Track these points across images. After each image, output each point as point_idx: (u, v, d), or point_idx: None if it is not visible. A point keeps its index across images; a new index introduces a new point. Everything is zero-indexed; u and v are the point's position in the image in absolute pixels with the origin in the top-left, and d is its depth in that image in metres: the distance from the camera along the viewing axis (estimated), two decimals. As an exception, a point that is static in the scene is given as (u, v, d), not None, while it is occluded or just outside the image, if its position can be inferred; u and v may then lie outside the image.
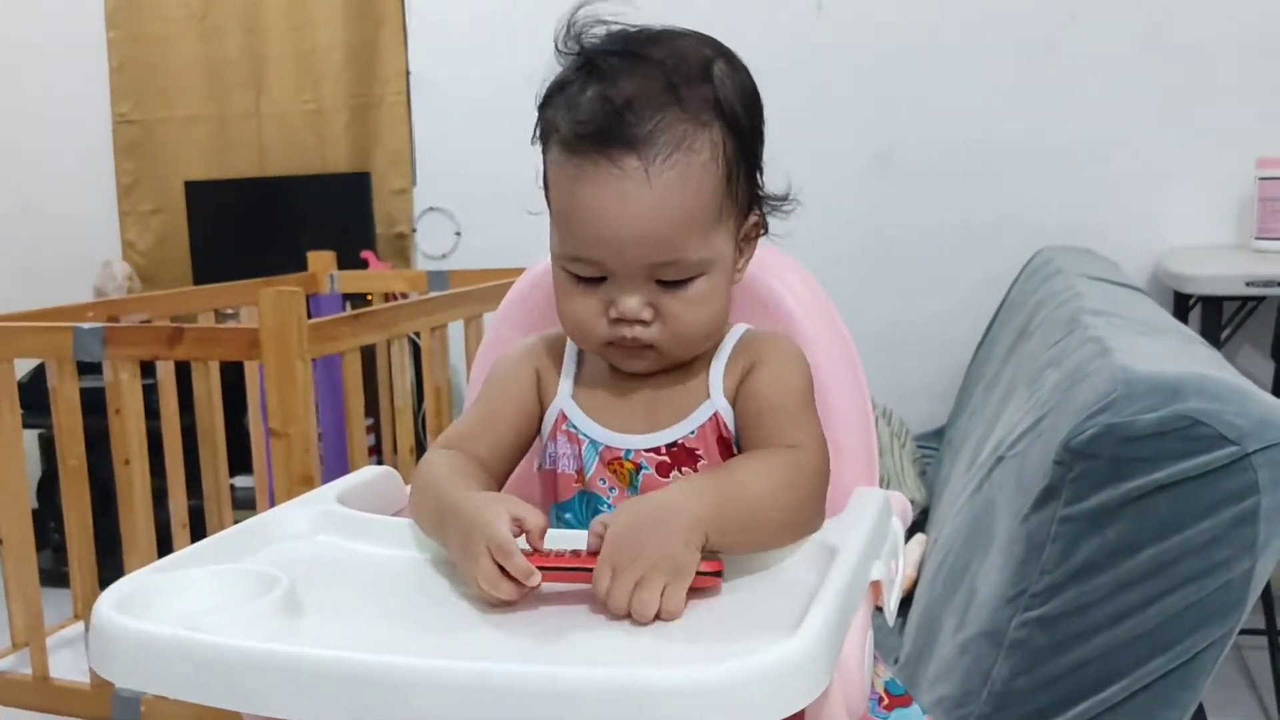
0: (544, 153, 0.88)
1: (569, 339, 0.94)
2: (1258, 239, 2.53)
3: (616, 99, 0.82)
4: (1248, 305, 2.49)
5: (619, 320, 0.85)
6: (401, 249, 3.31)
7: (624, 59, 0.84)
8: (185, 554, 0.79)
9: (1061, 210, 2.79)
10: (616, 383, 0.92)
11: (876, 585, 0.81)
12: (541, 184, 0.90)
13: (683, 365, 0.90)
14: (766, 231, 0.93)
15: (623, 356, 0.89)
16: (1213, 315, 2.34)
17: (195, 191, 3.34)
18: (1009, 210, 2.83)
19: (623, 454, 0.89)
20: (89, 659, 0.70)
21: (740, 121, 0.86)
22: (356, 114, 3.31)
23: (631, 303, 0.85)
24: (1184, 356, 1.22)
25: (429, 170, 3.30)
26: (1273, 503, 1.01)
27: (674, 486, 0.79)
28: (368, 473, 0.99)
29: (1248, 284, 2.23)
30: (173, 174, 3.42)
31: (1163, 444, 1.03)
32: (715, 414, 0.89)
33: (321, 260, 2.79)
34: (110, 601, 0.70)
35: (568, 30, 0.87)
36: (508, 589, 0.72)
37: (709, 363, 0.91)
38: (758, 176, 0.90)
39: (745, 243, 0.91)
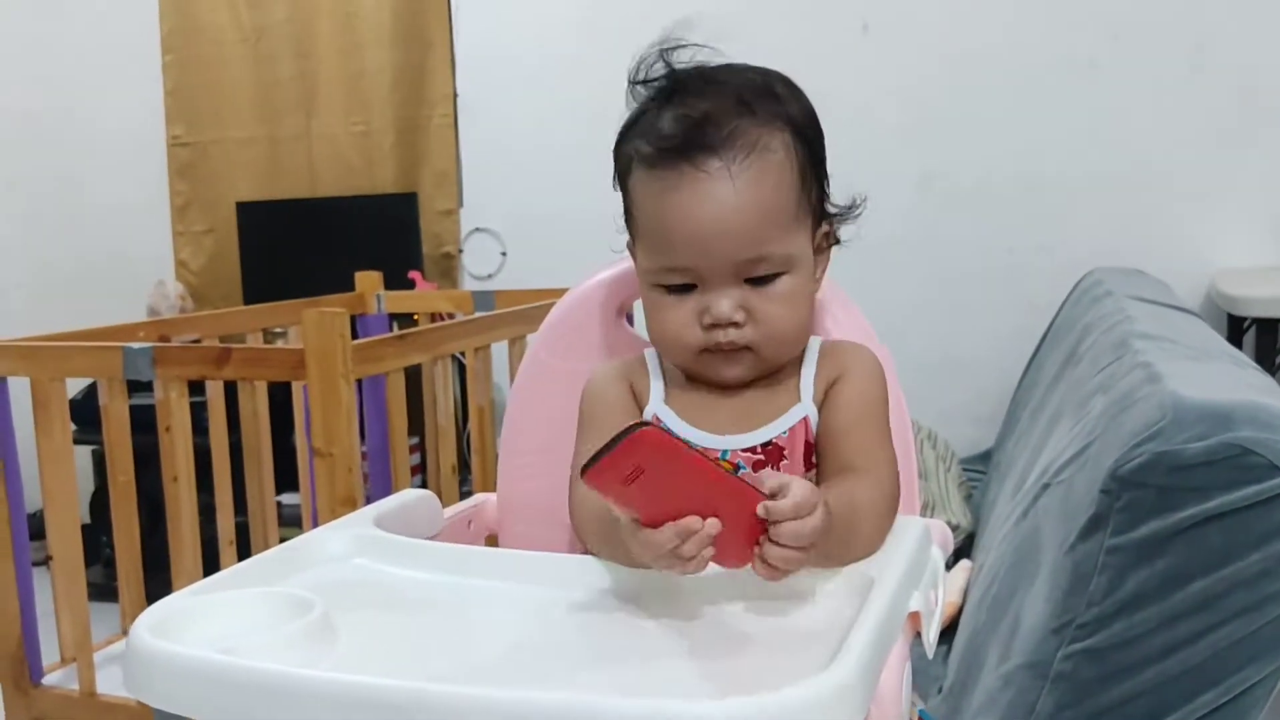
0: (625, 184, 0.94)
1: (650, 356, 0.98)
2: (1315, 260, 2.47)
3: (694, 113, 0.89)
4: (1304, 328, 2.43)
5: (713, 326, 0.89)
6: (448, 269, 3.34)
7: (696, 83, 0.91)
8: (221, 577, 0.80)
9: (1110, 232, 2.75)
10: (707, 390, 0.95)
11: (915, 616, 0.80)
12: (624, 219, 0.96)
13: (772, 373, 0.94)
14: (839, 241, 0.98)
15: (720, 364, 0.92)
16: (1268, 338, 2.30)
17: (246, 212, 3.39)
18: (1056, 232, 2.80)
19: (720, 454, 0.91)
20: (124, 680, 0.71)
21: (807, 131, 0.92)
22: (404, 136, 3.34)
23: (724, 305, 0.88)
24: (1235, 383, 1.20)
25: (475, 192, 3.33)
26: (1327, 534, 0.98)
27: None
28: (406, 496, 0.99)
29: (1304, 306, 2.19)
30: (225, 195, 3.47)
31: (1212, 473, 1.00)
32: (805, 418, 0.92)
33: (368, 280, 2.81)
34: (145, 624, 0.71)
35: (637, 70, 0.94)
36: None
37: (799, 368, 0.95)
38: (825, 187, 0.95)
39: (818, 252, 0.95)
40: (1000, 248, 2.84)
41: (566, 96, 3.08)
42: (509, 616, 0.77)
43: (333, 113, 3.39)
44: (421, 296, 2.88)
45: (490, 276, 3.31)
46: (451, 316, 2.71)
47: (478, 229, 3.32)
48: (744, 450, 0.92)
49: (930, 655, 0.82)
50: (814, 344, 0.96)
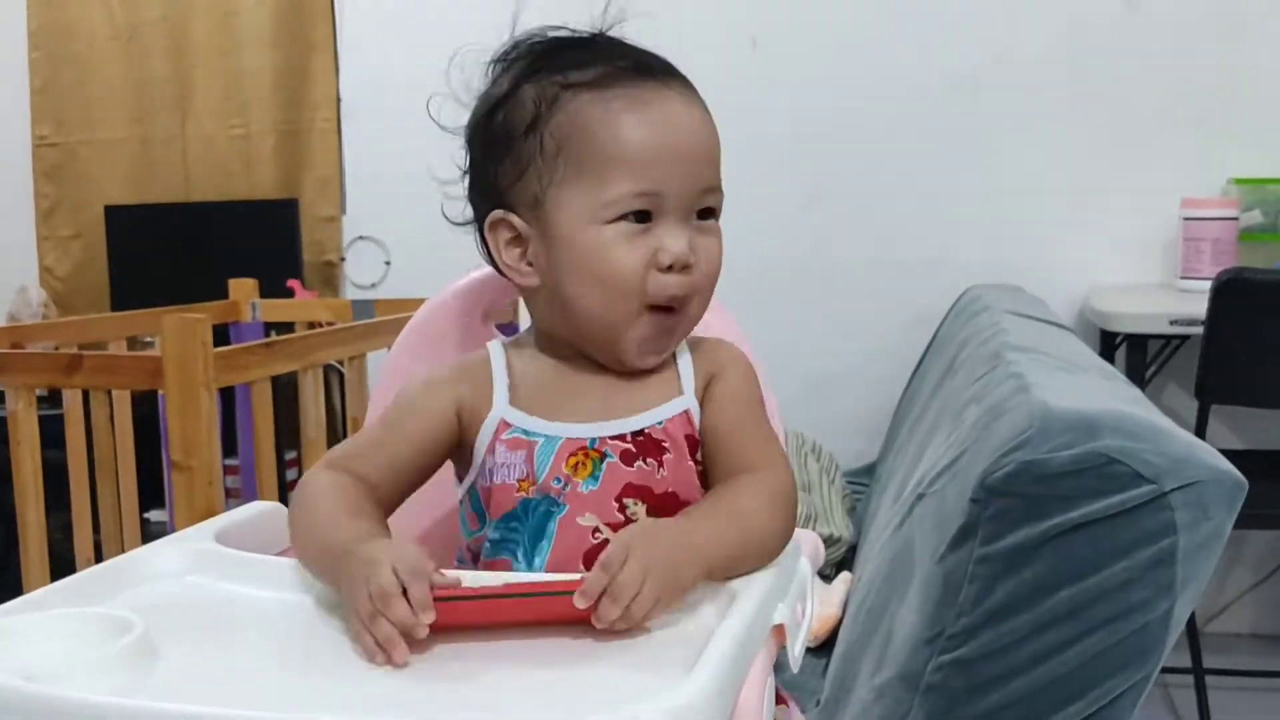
0: (540, 121, 0.85)
1: (495, 350, 0.91)
2: (1182, 278, 2.55)
3: (632, 47, 0.87)
4: (1172, 343, 2.50)
5: (669, 270, 0.83)
6: (330, 278, 3.24)
7: (611, 37, 0.89)
8: (35, 597, 0.74)
9: (990, 249, 2.81)
10: (566, 380, 0.89)
11: (780, 629, 0.77)
12: (513, 172, 0.86)
13: (649, 373, 0.89)
14: None
15: (661, 335, 0.86)
16: (1138, 353, 2.36)
17: (116, 216, 3.25)
18: (939, 249, 2.84)
19: (588, 443, 0.85)
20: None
21: None
22: (285, 140, 3.24)
23: (681, 242, 0.83)
24: (1104, 394, 1.21)
25: (359, 198, 3.24)
26: (1191, 543, 0.99)
27: (690, 515, 0.80)
28: (251, 509, 0.94)
29: (1171, 322, 2.25)
30: (93, 198, 3.32)
31: (1079, 482, 1.01)
32: (686, 410, 0.88)
33: (243, 288, 2.72)
34: (-57, 649, 0.64)
35: (518, 42, 0.90)
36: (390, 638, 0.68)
37: (674, 360, 0.90)
38: None
39: None
40: (886, 262, 2.87)
41: (453, 99, 3.02)
42: (353, 648, 0.72)
43: (209, 114, 3.27)
44: (298, 305, 2.79)
45: (374, 286, 3.23)
46: (331, 325, 2.62)
47: (361, 237, 3.23)
48: (612, 437, 0.86)
49: (795, 669, 0.80)
50: (683, 347, 0.92)
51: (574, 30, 0.90)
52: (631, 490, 0.85)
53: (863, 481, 2.59)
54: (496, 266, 0.91)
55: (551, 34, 0.89)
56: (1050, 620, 1.03)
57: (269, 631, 0.74)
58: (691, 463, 0.87)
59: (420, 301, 2.30)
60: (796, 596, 0.82)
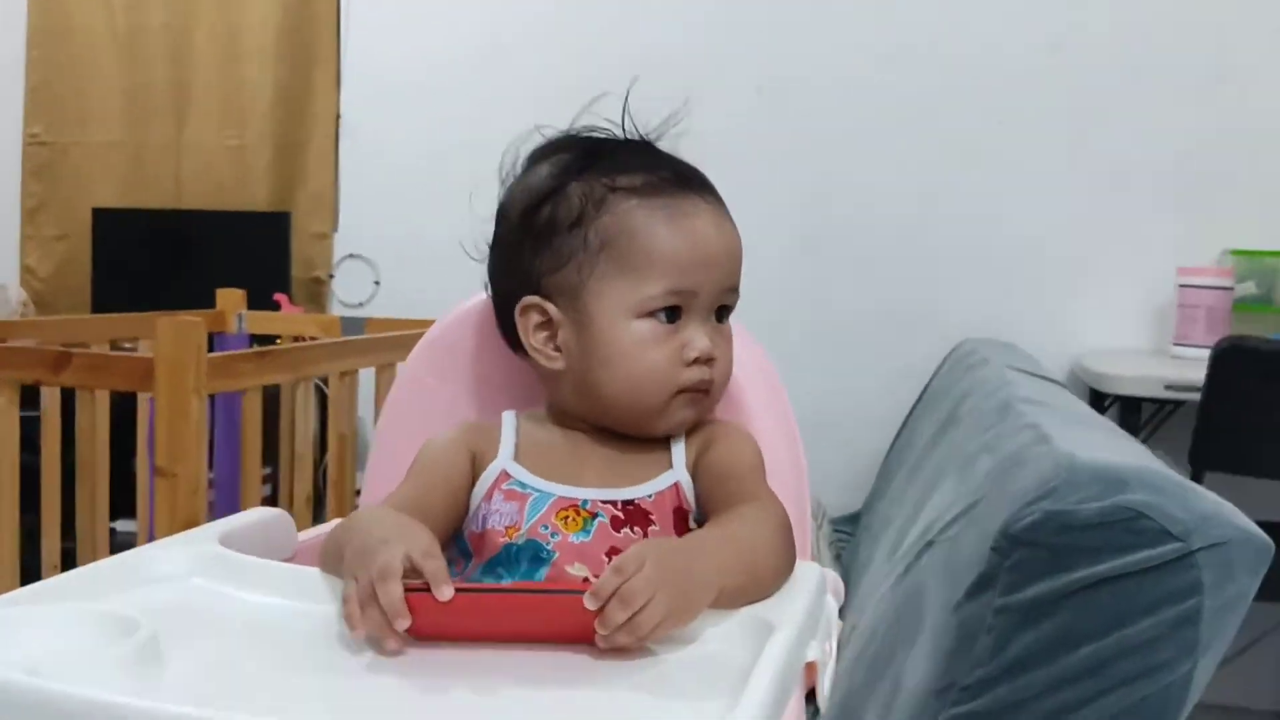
0: (591, 215, 0.90)
1: (508, 418, 0.95)
2: (1176, 344, 2.56)
3: (668, 157, 0.94)
4: (1165, 408, 2.50)
5: (695, 363, 0.90)
6: (317, 294, 3.20)
7: (648, 142, 0.97)
8: (36, 589, 0.70)
9: (983, 304, 2.81)
10: (569, 449, 0.93)
11: (812, 666, 0.74)
12: (557, 264, 0.91)
13: (643, 438, 0.93)
14: None
15: (687, 406, 0.91)
16: (1131, 416, 2.35)
17: (103, 219, 3.20)
18: (932, 301, 2.84)
19: (580, 502, 0.88)
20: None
21: None
22: (281, 153, 3.21)
23: (705, 340, 0.90)
24: (1124, 449, 1.19)
25: (352, 217, 3.21)
26: (1216, 604, 0.97)
27: (701, 539, 0.81)
28: (257, 514, 0.90)
29: (1167, 386, 2.24)
30: (82, 200, 3.27)
31: (1106, 535, 0.98)
32: (676, 484, 0.91)
33: (230, 298, 2.67)
34: (-63, 638, 0.60)
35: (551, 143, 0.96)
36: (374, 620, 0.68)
37: (669, 443, 0.94)
38: None
39: None
40: (877, 313, 2.86)
41: (453, 125, 3.01)
42: (363, 648, 0.69)
43: (206, 123, 3.24)
44: (286, 318, 2.75)
45: (361, 305, 3.19)
46: (316, 341, 2.58)
47: (351, 255, 3.20)
48: (605, 502, 0.88)
49: (823, 709, 0.77)
50: None
51: (610, 131, 0.96)
52: (619, 553, 0.83)
53: (846, 530, 2.56)
54: (515, 346, 0.96)
55: (591, 134, 0.96)
56: (1070, 676, 1.00)
57: (275, 638, 0.71)
58: (674, 534, 0.89)
59: (414, 321, 2.28)
60: (824, 635, 0.79)
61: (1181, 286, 2.56)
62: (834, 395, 2.87)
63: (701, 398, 0.92)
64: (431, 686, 0.65)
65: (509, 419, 0.96)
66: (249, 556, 0.80)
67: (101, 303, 3.14)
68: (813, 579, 0.81)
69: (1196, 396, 2.11)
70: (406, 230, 3.11)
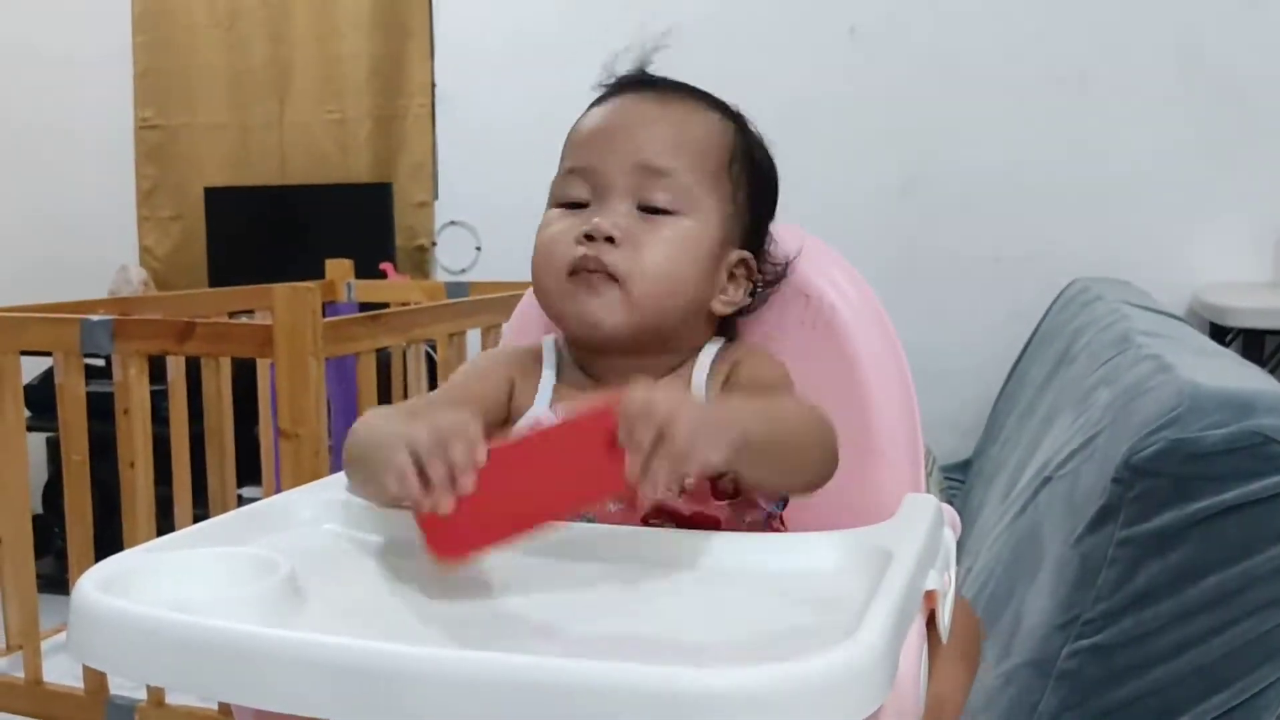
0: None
1: (548, 346, 0.90)
2: (1299, 276, 2.46)
3: (655, 75, 0.91)
4: (1289, 342, 2.41)
5: (588, 238, 0.82)
6: (421, 262, 3.26)
7: (665, 80, 0.91)
8: (179, 535, 0.73)
9: (1094, 242, 2.72)
10: (594, 384, 0.88)
11: (931, 595, 0.74)
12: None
13: (664, 370, 0.87)
14: (755, 290, 0.91)
15: (584, 293, 0.83)
16: (1254, 350, 2.27)
17: (215, 198, 3.30)
18: (1039, 242, 2.76)
19: None
20: (67, 643, 0.64)
21: (756, 154, 0.90)
22: (380, 125, 3.27)
23: (603, 217, 0.83)
24: (1247, 376, 1.15)
25: (451, 184, 3.26)
26: (1349, 530, 0.94)
27: (719, 399, 0.78)
28: (380, 464, 0.93)
29: (1292, 318, 2.16)
30: (193, 180, 3.38)
31: (1232, 462, 0.96)
32: None
33: (339, 268, 2.74)
34: (93, 581, 0.64)
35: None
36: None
37: (691, 368, 0.88)
38: (762, 230, 0.92)
39: (732, 277, 0.89)
40: (983, 256, 2.80)
41: (546, 89, 3.02)
42: (494, 583, 0.71)
43: (306, 100, 3.31)
44: (393, 286, 2.81)
45: (464, 271, 3.24)
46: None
47: (452, 222, 3.25)
48: None
49: (944, 639, 0.77)
50: (712, 345, 0.89)
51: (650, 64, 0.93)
52: (659, 512, 0.82)
53: (957, 477, 2.53)
54: None
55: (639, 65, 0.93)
56: (1196, 607, 0.98)
57: (402, 578, 0.73)
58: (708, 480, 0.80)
59: (517, 284, 2.30)
60: (943, 566, 0.79)
61: (1305, 214, 2.45)
62: (940, 341, 2.82)
63: (599, 281, 0.82)
64: (580, 613, 0.66)
65: (549, 348, 0.91)
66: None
67: (217, 279, 3.25)
68: (929, 509, 0.81)
69: (1324, 327, 2.03)
70: (505, 195, 3.12)
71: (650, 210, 0.84)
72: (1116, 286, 2.34)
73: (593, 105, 0.90)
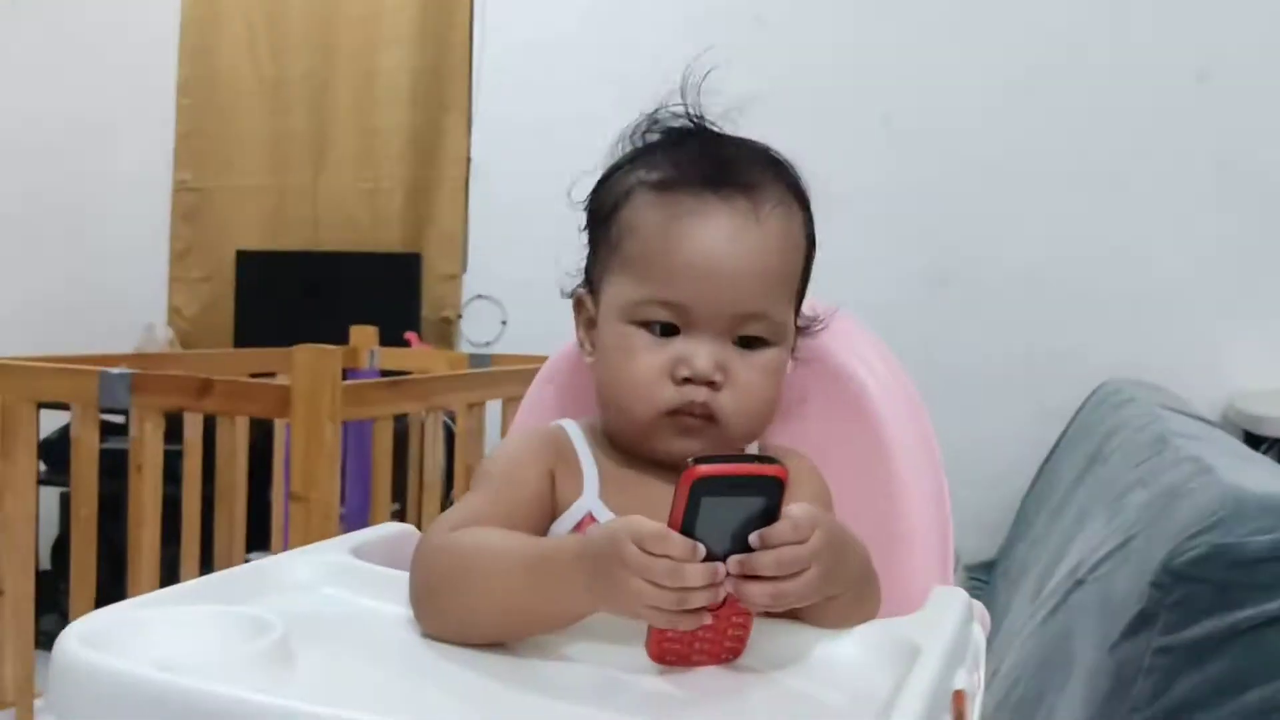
0: (611, 215, 0.84)
1: (573, 432, 0.86)
2: (1339, 386, 2.41)
3: (723, 151, 0.82)
4: (1327, 454, 2.35)
5: (687, 381, 0.78)
6: (446, 334, 3.26)
7: (716, 133, 0.85)
8: (173, 591, 0.70)
9: (1127, 344, 2.69)
10: (644, 486, 0.82)
11: (959, 696, 0.70)
12: (589, 260, 0.87)
13: None
14: (794, 356, 0.88)
15: (676, 434, 0.80)
16: (1291, 460, 2.21)
17: (246, 261, 3.32)
18: (1071, 341, 2.73)
19: None
20: (46, 698, 0.60)
21: (810, 223, 0.86)
22: (413, 196, 3.29)
23: (705, 358, 0.78)
24: (1292, 482, 1.11)
25: (480, 258, 3.27)
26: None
27: (843, 525, 0.73)
28: (387, 528, 0.90)
29: (1331, 429, 2.11)
30: (226, 242, 3.41)
31: (1277, 570, 0.91)
32: None
33: (363, 335, 2.73)
34: (76, 634, 0.61)
35: (650, 119, 0.87)
36: (694, 573, 0.62)
37: None
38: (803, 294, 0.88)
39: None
40: (1015, 353, 2.77)
41: (583, 167, 3.04)
42: (490, 662, 0.67)
43: (342, 168, 3.35)
44: (417, 354, 2.80)
45: (489, 344, 3.23)
46: (446, 378, 2.62)
47: (480, 295, 3.25)
48: None
49: (972, 745, 0.72)
50: (751, 446, 0.86)
51: (687, 118, 0.86)
52: None
53: (980, 578, 2.46)
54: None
55: (664, 122, 0.87)
56: (1238, 723, 0.93)
57: (402, 646, 0.69)
58: None
59: (541, 358, 2.28)
60: (973, 664, 0.75)
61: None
62: (966, 438, 2.75)
63: (699, 426, 0.79)
64: (564, 690, 0.63)
65: (577, 437, 0.86)
66: (379, 567, 0.80)
67: (243, 341, 3.25)
68: (959, 603, 0.77)
69: (1364, 439, 1.97)
70: (534, 271, 3.10)
71: (745, 343, 0.81)
72: (1149, 390, 2.31)
73: (668, 192, 0.81)
